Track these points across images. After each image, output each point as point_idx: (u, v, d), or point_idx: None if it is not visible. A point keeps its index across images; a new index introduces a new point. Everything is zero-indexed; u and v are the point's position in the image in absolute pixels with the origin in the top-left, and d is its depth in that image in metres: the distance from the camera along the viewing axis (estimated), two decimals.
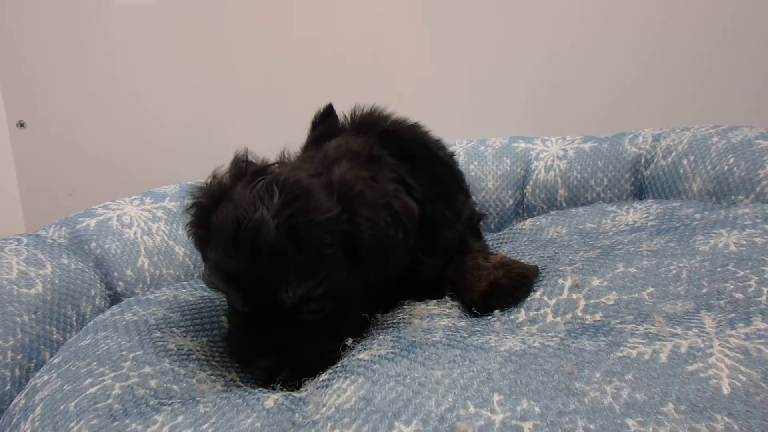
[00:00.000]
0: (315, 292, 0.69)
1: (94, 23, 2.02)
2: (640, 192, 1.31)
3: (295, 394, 0.62)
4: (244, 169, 0.80)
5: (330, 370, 0.64)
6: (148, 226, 1.13)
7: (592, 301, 0.73)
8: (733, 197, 1.05)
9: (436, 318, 0.75)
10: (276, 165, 0.84)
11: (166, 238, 1.15)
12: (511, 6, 2.04)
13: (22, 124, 2.03)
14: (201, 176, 1.36)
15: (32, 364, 0.80)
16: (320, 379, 0.63)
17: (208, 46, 2.08)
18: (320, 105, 1.16)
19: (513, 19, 2.05)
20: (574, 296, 0.75)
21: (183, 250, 1.16)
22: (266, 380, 0.68)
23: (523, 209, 1.46)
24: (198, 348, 0.76)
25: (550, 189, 1.41)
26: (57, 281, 0.92)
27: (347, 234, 0.72)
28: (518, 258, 0.94)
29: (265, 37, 2.09)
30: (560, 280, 0.79)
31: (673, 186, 1.21)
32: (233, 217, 0.69)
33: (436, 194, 0.92)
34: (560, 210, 1.30)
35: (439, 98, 2.07)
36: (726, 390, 0.48)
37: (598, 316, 0.69)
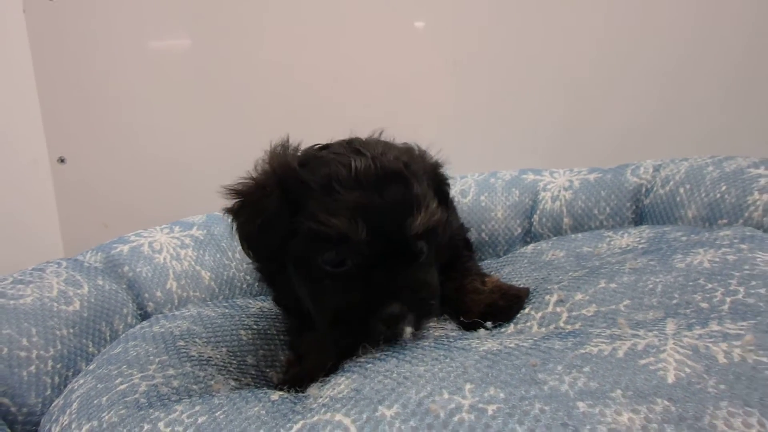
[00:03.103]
0: (434, 220, 0.73)
1: (129, 67, 2.16)
2: (640, 219, 1.37)
3: (300, 394, 0.70)
4: (292, 151, 0.85)
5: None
6: (177, 252, 1.23)
7: (573, 313, 0.79)
8: (721, 222, 1.11)
9: (431, 329, 0.82)
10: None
11: (193, 263, 1.24)
12: (526, 49, 2.14)
13: (62, 160, 2.16)
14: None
15: (70, 373, 0.89)
16: (321, 380, 0.70)
17: (238, 87, 2.19)
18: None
19: (527, 61, 2.16)
20: (558, 309, 0.81)
21: (209, 274, 1.24)
22: (391, 328, 0.70)
23: (530, 237, 1.52)
24: (217, 356, 0.84)
25: (556, 218, 1.47)
26: (93, 300, 1.01)
27: (437, 183, 0.80)
28: (516, 279, 1.01)
29: (291, 77, 2.19)
30: (547, 297, 0.86)
31: (670, 213, 1.27)
32: (341, 164, 0.72)
33: None
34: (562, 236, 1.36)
35: (456, 135, 2.17)
36: (671, 379, 0.55)
37: (577, 326, 0.76)
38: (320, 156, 0.78)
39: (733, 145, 1.90)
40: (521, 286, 0.94)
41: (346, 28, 2.18)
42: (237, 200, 0.82)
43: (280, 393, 0.67)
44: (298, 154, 0.84)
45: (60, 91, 2.13)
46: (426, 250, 0.77)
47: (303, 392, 0.70)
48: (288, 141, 0.88)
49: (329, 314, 0.75)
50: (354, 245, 0.71)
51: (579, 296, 0.82)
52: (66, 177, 2.18)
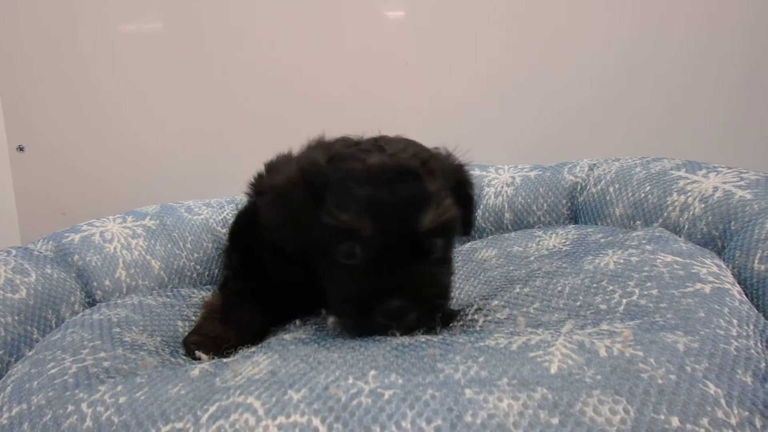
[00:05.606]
0: (446, 217, 0.76)
1: (92, 52, 2.14)
2: (575, 216, 1.44)
3: (223, 360, 0.75)
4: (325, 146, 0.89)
5: (258, 346, 0.77)
6: (128, 241, 1.25)
7: (489, 317, 0.84)
8: (639, 222, 1.18)
9: None
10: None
11: (143, 252, 1.26)
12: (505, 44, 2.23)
13: (21, 148, 2.16)
14: (191, 198, 1.47)
15: (12, 359, 0.91)
16: (248, 351, 0.76)
17: (207, 75, 2.19)
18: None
19: (505, 56, 2.24)
20: (476, 317, 0.85)
21: (159, 264, 1.27)
22: (395, 322, 0.73)
23: (474, 231, 1.58)
24: (150, 343, 0.89)
25: (497, 213, 1.53)
26: (40, 288, 1.03)
27: (460, 184, 0.84)
28: None
29: (266, 70, 2.20)
30: (467, 309, 0.90)
31: (600, 211, 1.33)
32: (357, 160, 0.76)
33: None
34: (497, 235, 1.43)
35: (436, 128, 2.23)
36: (554, 370, 0.61)
37: (490, 328, 0.81)
38: (345, 153, 0.81)
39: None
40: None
41: (323, 14, 2.19)
42: (267, 194, 0.85)
43: (201, 367, 0.71)
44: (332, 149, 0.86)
45: (19, 78, 2.11)
46: (440, 248, 0.80)
47: (226, 359, 0.75)
48: (324, 137, 0.93)
49: (339, 303, 0.80)
50: (363, 240, 0.75)
51: (495, 302, 0.88)
52: (24, 166, 2.18)
